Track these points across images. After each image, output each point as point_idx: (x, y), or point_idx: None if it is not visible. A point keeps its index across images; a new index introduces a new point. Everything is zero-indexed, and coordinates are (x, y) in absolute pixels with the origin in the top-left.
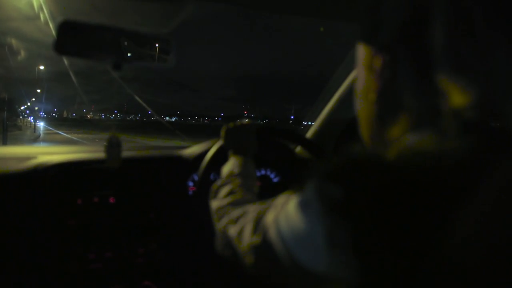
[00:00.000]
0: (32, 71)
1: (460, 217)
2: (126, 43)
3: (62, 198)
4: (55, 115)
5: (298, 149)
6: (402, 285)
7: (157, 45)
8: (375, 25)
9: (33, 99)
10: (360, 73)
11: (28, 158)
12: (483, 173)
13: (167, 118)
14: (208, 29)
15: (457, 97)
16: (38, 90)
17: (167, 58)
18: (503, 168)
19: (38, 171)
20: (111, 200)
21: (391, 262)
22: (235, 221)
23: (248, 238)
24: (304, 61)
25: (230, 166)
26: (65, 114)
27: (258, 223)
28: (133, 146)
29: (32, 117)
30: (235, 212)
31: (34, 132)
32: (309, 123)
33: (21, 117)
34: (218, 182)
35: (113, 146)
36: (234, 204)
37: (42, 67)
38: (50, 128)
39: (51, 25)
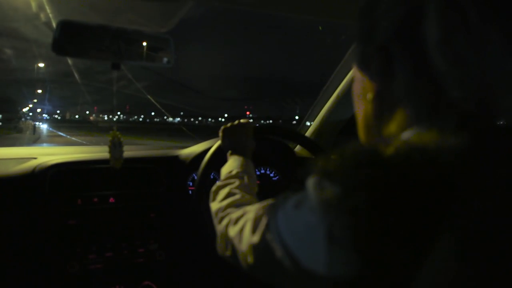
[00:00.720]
0: (34, 72)
1: (458, 213)
2: (125, 43)
3: (62, 198)
4: (58, 116)
5: (297, 147)
6: (401, 281)
7: (155, 44)
8: (371, 25)
9: (35, 101)
10: (357, 73)
11: (28, 158)
12: (480, 168)
13: (170, 119)
14: (210, 29)
15: (453, 92)
16: (39, 91)
17: (166, 58)
18: (500, 163)
19: (38, 172)
20: (111, 200)
21: (390, 258)
22: (235, 222)
23: (247, 238)
24: (307, 61)
25: (229, 166)
26: (68, 116)
27: (257, 223)
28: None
29: (30, 118)
30: (235, 214)
31: (33, 134)
32: (307, 123)
33: (23, 119)
34: (218, 183)
35: (115, 146)
36: (234, 206)
37: (41, 65)
38: (54, 131)
39: (53, 23)
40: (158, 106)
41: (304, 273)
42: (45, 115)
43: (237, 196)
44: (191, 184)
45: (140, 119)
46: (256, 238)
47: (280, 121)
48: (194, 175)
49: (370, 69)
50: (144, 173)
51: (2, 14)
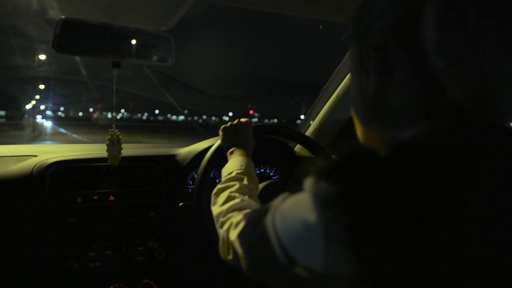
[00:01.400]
0: (37, 70)
1: (456, 213)
2: (125, 41)
3: (61, 196)
4: (62, 114)
5: (297, 147)
6: (398, 280)
7: (156, 43)
8: (368, 24)
9: (37, 97)
10: (354, 72)
11: (28, 156)
12: (478, 167)
13: (174, 117)
14: (212, 29)
15: (451, 92)
16: (42, 86)
17: (166, 56)
18: (498, 161)
19: (38, 169)
20: (111, 198)
21: (387, 258)
22: (235, 226)
23: (246, 240)
24: (309, 61)
25: (229, 167)
26: (71, 113)
27: (256, 224)
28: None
29: (29, 115)
30: (236, 218)
31: (33, 131)
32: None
33: (26, 116)
34: (218, 186)
35: (113, 144)
36: (234, 210)
37: (42, 57)
38: (58, 129)
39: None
40: (174, 103)
41: (302, 274)
42: (48, 112)
43: (237, 200)
44: (191, 182)
45: (144, 117)
46: (254, 240)
47: (284, 120)
48: (194, 173)
49: (367, 69)
50: (144, 171)
51: (4, 11)
